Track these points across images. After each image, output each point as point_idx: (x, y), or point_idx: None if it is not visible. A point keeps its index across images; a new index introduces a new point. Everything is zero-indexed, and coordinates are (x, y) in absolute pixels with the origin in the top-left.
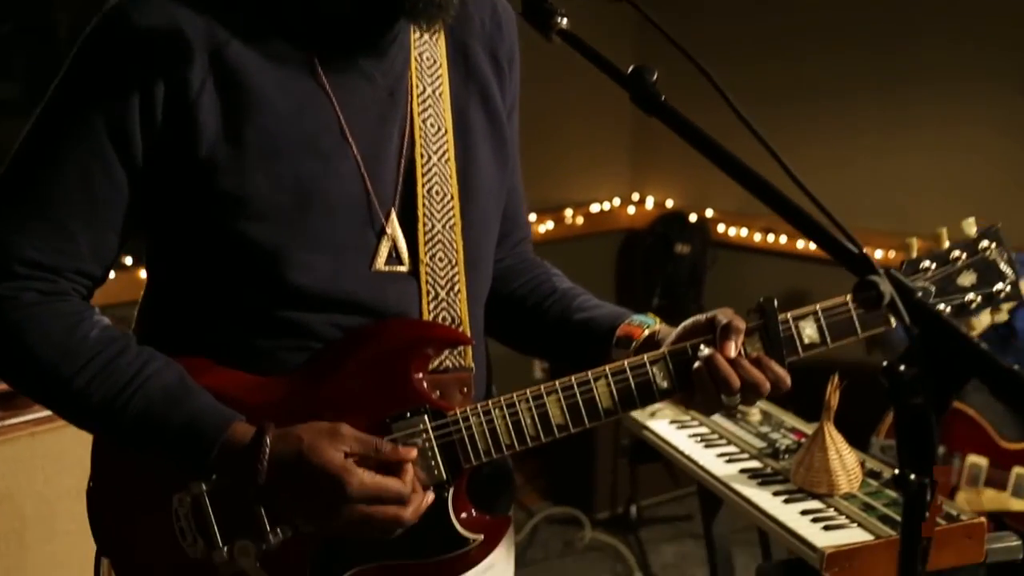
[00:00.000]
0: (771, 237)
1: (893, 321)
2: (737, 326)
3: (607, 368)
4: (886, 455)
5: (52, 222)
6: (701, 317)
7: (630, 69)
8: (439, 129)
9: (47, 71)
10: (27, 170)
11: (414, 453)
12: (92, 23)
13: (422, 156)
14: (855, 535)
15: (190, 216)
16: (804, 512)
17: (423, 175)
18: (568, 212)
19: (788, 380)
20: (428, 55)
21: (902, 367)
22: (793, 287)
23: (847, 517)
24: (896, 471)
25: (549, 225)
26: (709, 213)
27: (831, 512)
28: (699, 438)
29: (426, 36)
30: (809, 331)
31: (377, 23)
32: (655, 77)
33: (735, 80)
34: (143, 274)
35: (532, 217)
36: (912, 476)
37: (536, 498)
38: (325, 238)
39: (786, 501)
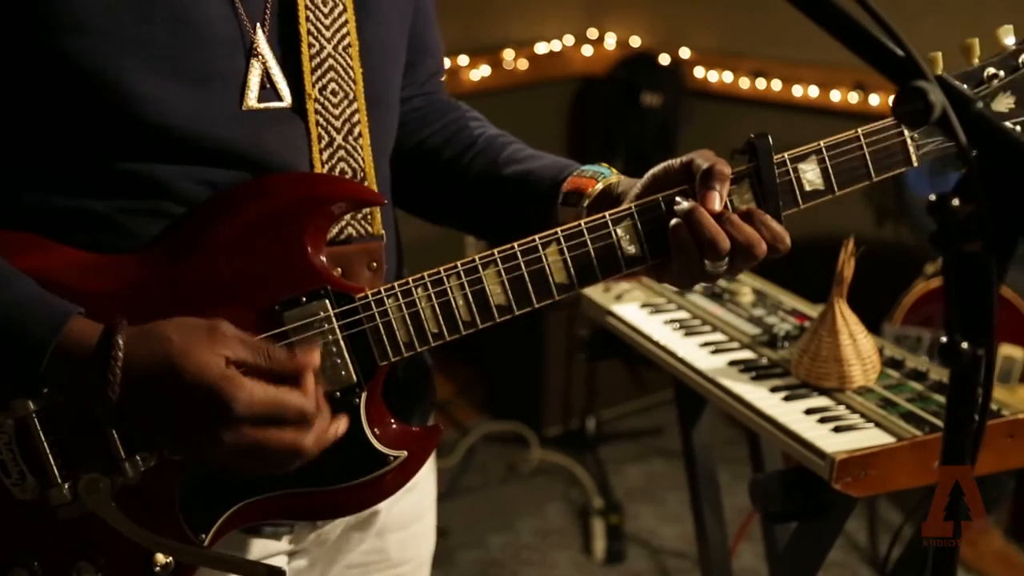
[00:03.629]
0: (761, 83)
1: (915, 158)
2: (721, 171)
3: (559, 231)
4: (901, 345)
5: None
6: (675, 162)
7: None
8: None
9: None
10: None
11: (317, 358)
12: None
13: None
14: (872, 437)
15: None
16: (809, 411)
17: None
18: (508, 53)
19: (787, 238)
20: None
21: (955, 202)
22: (788, 146)
23: (862, 416)
24: (943, 339)
25: (484, 71)
26: (684, 54)
27: (842, 410)
28: (678, 324)
29: None
30: (811, 175)
31: None
32: None
33: None
34: None
35: (463, 60)
36: (964, 345)
37: (471, 413)
38: (176, 59)
39: (787, 398)
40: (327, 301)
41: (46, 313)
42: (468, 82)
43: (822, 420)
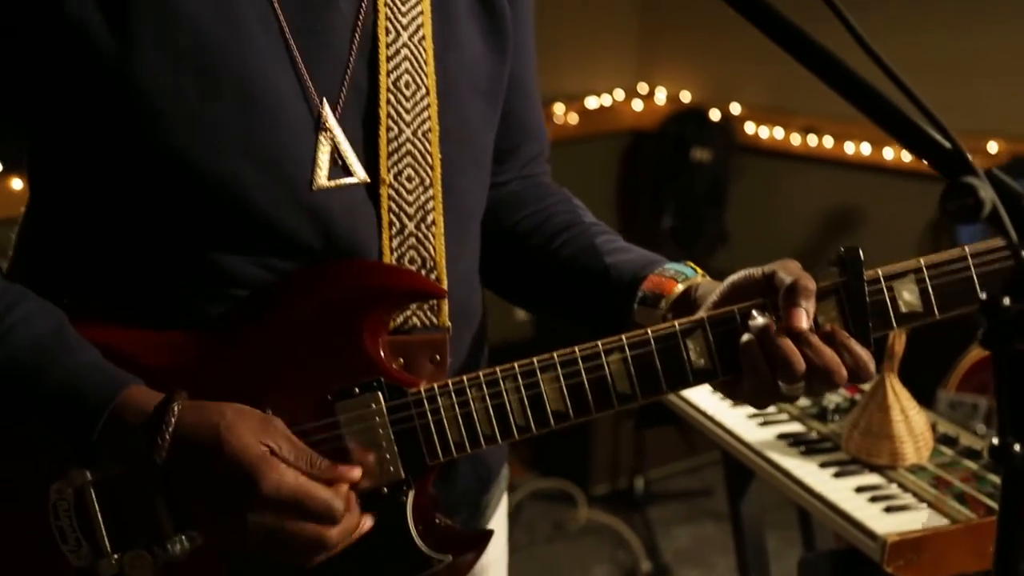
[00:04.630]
0: (813, 139)
1: None
2: (806, 287)
3: (623, 338)
4: (956, 412)
5: None
6: (756, 271)
7: None
8: None
9: None
10: None
11: (357, 474)
12: None
13: (388, 32)
14: (925, 518)
15: (65, 106)
16: (860, 489)
17: (388, 59)
18: (558, 108)
19: (872, 365)
20: None
21: (1006, 301)
22: (841, 203)
23: (914, 495)
24: (994, 440)
25: None
26: (735, 109)
27: (894, 489)
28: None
29: None
30: (908, 295)
31: None
32: None
33: None
34: (16, 184)
35: None
36: (1017, 446)
37: (518, 469)
38: (245, 139)
39: (837, 475)
40: (379, 394)
41: (105, 380)
42: None
43: (873, 499)
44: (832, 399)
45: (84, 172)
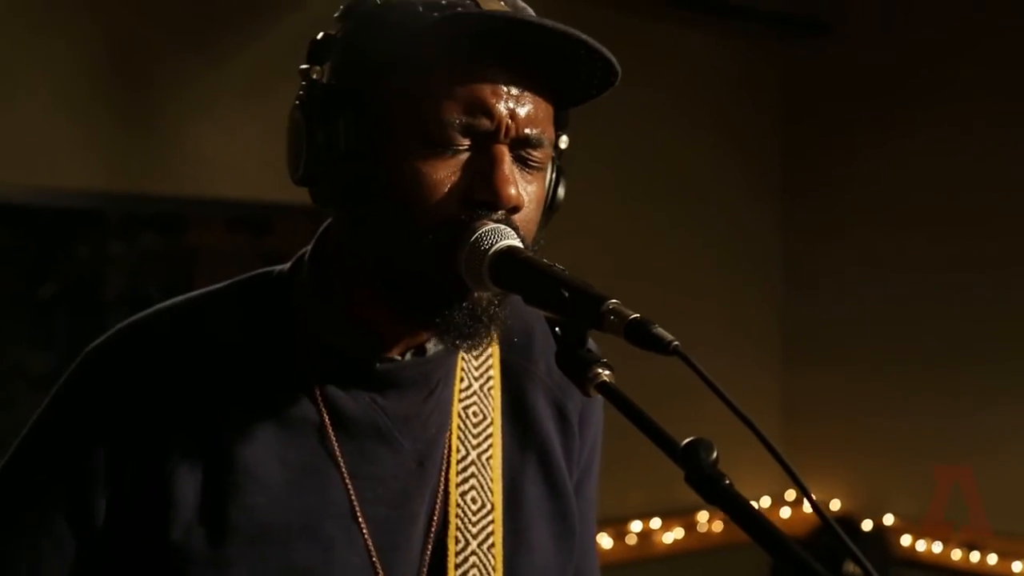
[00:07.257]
0: (975, 555)
1: None
2: None
3: None
4: None
5: None
6: None
7: (684, 443)
8: (482, 505)
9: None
10: None
11: None
12: (71, 368)
13: (457, 541)
14: None
15: None
16: None
17: (456, 566)
18: (702, 516)
19: None
20: (476, 409)
21: None
22: None
23: None
24: None
25: (678, 533)
26: (888, 520)
27: None
28: None
29: (476, 386)
30: None
31: (398, 374)
32: (715, 455)
33: None
34: None
35: (656, 523)
36: None
37: None
38: None
39: None
40: None
41: None
42: (660, 545)
43: None
44: None
45: None
